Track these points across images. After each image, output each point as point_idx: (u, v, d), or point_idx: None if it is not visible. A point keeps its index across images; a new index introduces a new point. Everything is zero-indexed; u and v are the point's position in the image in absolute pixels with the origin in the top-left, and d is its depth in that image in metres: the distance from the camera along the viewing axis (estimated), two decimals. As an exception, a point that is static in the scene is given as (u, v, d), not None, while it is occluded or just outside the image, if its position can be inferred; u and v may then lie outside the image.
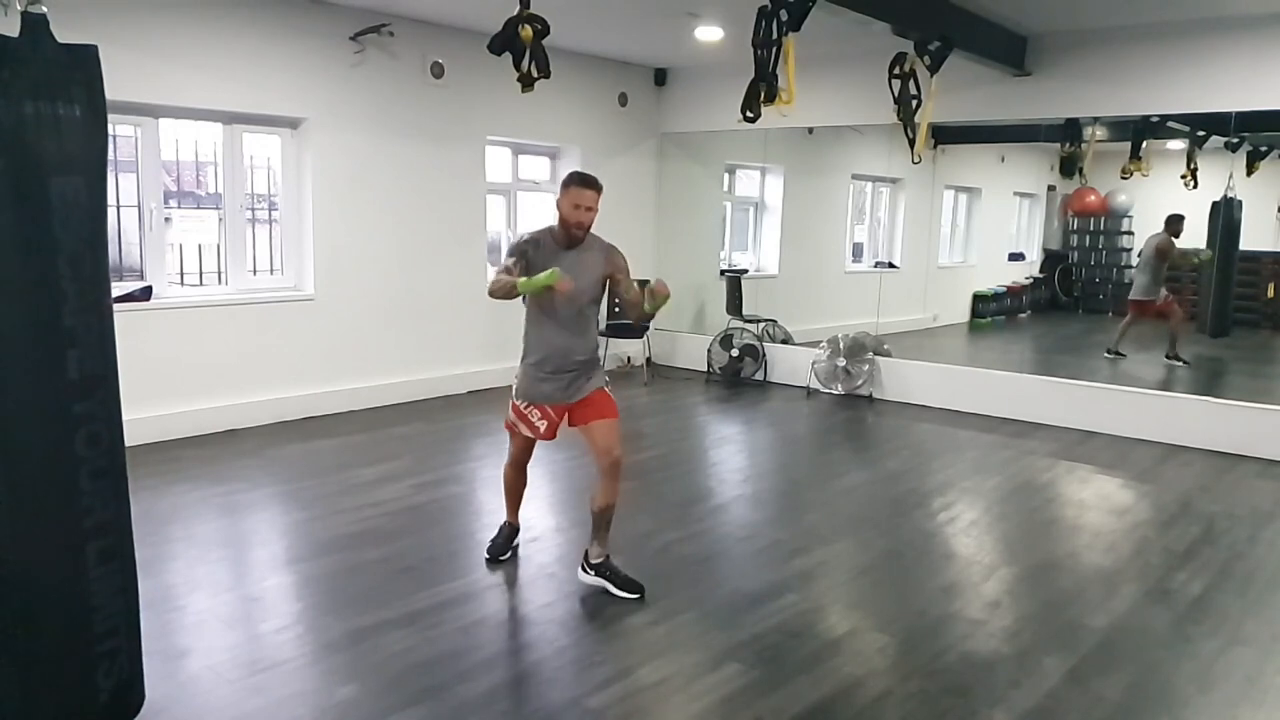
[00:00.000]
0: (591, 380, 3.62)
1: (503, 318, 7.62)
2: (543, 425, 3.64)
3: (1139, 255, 8.68)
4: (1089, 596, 3.74)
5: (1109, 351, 8.47)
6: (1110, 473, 5.60)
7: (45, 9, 2.19)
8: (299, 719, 2.72)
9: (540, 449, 5.94)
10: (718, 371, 8.24)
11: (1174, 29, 6.07)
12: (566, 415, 3.65)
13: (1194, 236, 8.09)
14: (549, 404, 3.62)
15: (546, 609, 3.50)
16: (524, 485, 4.01)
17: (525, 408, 3.65)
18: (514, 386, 3.69)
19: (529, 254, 3.49)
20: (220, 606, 3.47)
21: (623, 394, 7.64)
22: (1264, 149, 8.05)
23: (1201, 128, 7.68)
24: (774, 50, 4.71)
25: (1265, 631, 3.47)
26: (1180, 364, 8.04)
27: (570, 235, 3.54)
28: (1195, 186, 8.08)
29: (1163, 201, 8.74)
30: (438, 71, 6.85)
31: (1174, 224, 8.17)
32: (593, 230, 3.62)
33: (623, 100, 8.43)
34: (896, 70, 5.86)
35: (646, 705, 2.86)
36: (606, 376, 3.81)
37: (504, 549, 4.00)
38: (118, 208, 5.61)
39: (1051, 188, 10.86)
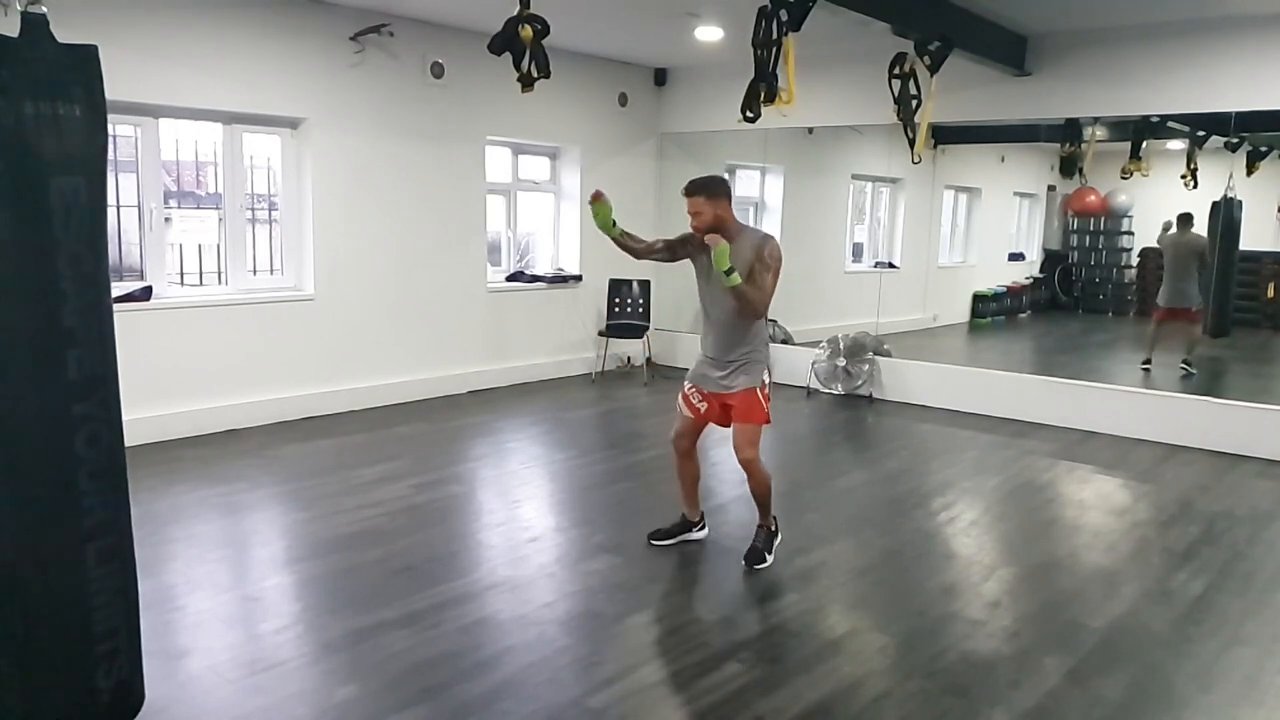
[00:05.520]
0: (743, 378, 3.78)
1: (503, 318, 7.66)
2: (702, 407, 3.92)
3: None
4: (1089, 596, 3.74)
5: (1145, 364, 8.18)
6: (1110, 473, 5.60)
7: (45, 9, 2.19)
8: (299, 719, 2.72)
9: (537, 448, 5.97)
10: (718, 371, 8.23)
11: (1174, 29, 6.07)
12: (724, 405, 3.86)
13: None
14: (706, 389, 3.88)
15: (546, 609, 3.50)
16: (694, 476, 4.14)
17: (690, 389, 3.96)
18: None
19: (679, 242, 3.91)
20: (220, 606, 3.47)
21: (622, 394, 7.65)
22: (1264, 149, 8.04)
23: (1201, 128, 7.67)
24: (774, 50, 4.71)
25: (1265, 631, 3.47)
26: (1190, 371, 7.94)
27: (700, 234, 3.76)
28: (1195, 186, 8.07)
29: (1163, 202, 8.74)
30: (438, 71, 6.85)
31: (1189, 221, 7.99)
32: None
33: (623, 100, 8.43)
34: (896, 70, 5.86)
35: (646, 705, 2.85)
36: (766, 377, 3.84)
37: (665, 535, 4.20)
38: (118, 208, 5.61)
39: (1051, 188, 10.86)
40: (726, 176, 3.87)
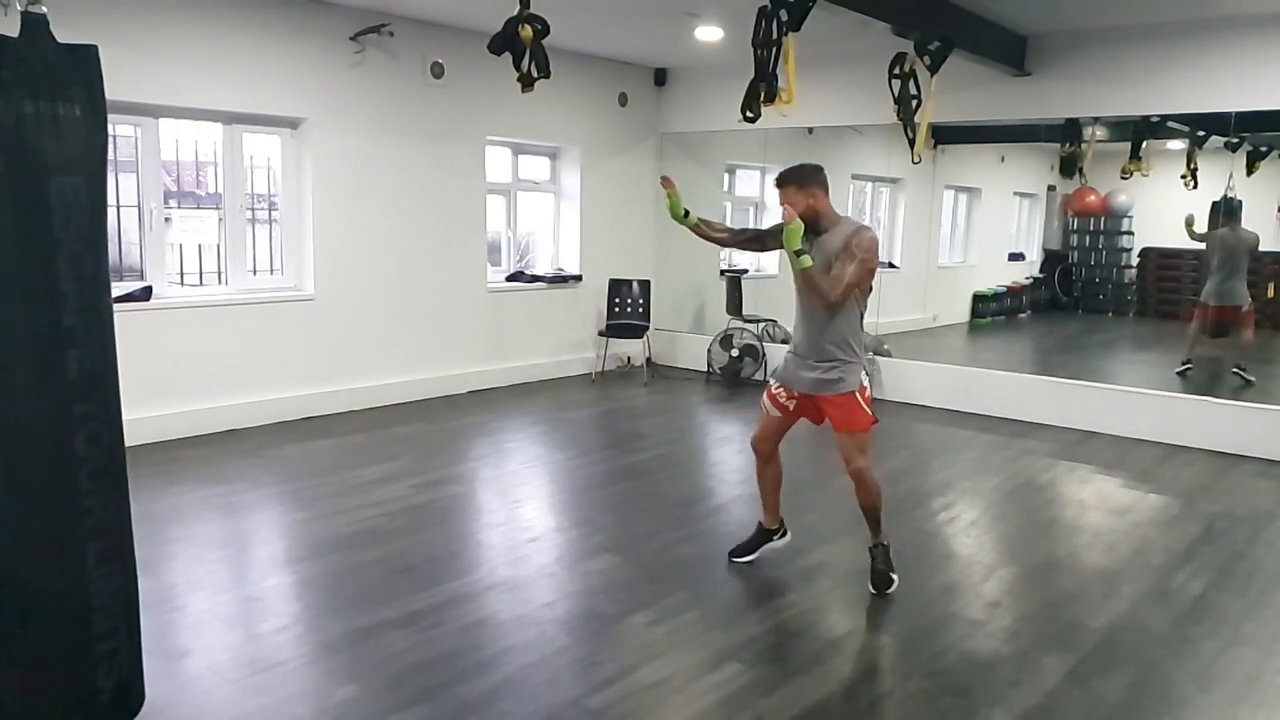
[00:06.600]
0: (838, 382, 3.55)
1: (503, 318, 7.66)
2: (791, 404, 3.72)
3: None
4: (1089, 596, 3.74)
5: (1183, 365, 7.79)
6: (1110, 473, 5.59)
7: (45, 9, 2.19)
8: (299, 719, 2.72)
9: (537, 448, 5.97)
10: (718, 371, 8.23)
11: (1174, 29, 6.07)
12: (816, 407, 3.69)
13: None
14: (795, 388, 3.67)
15: (546, 609, 3.50)
16: (775, 481, 3.92)
17: (777, 388, 3.76)
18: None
19: (769, 233, 3.74)
20: (220, 606, 3.47)
21: (623, 394, 7.65)
22: (1264, 149, 8.04)
23: (1201, 128, 7.66)
24: (774, 50, 4.71)
25: (1265, 631, 3.47)
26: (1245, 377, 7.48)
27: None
28: (1195, 186, 8.06)
29: (1163, 201, 8.72)
30: (438, 71, 6.85)
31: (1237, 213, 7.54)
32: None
33: (623, 100, 8.43)
34: (896, 70, 5.86)
35: (646, 705, 2.85)
36: (865, 380, 3.62)
37: (745, 550, 4.00)
38: (118, 208, 5.61)
39: (1051, 188, 10.87)
40: (821, 165, 3.62)
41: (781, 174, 3.57)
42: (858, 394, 3.56)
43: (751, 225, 9.53)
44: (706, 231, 3.83)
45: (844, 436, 3.62)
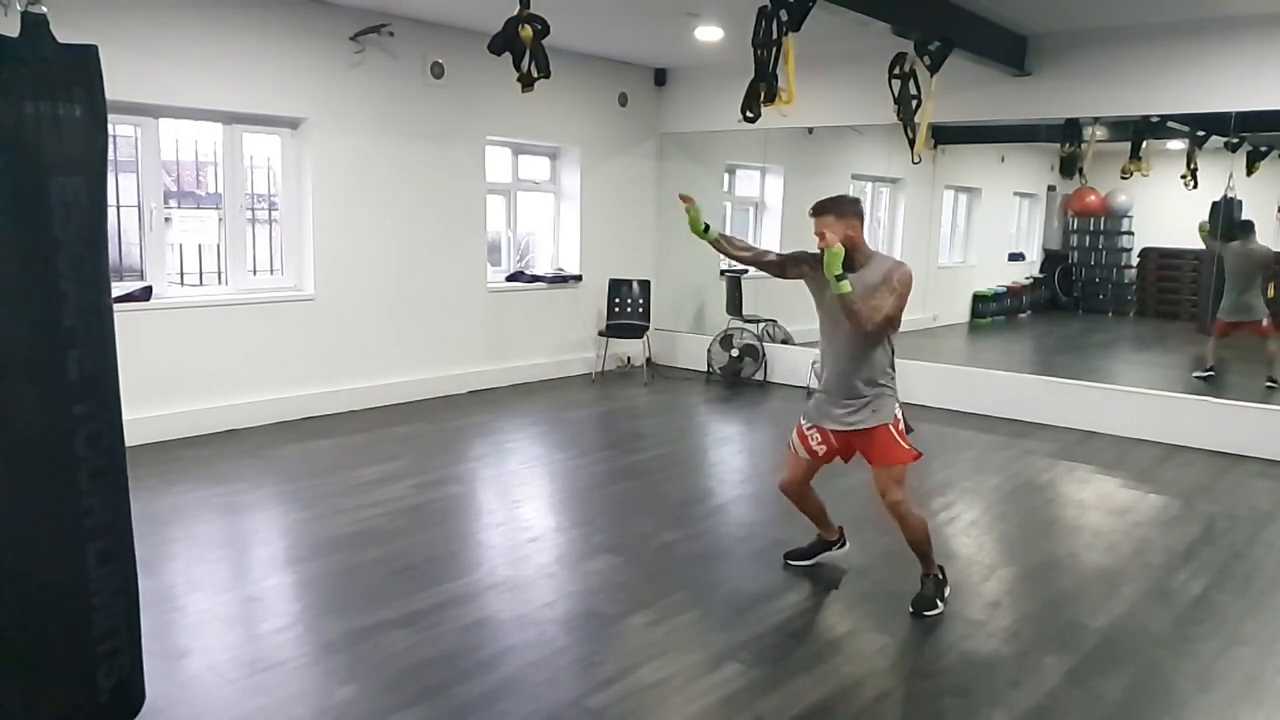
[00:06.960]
0: (872, 415, 3.45)
1: (503, 318, 7.66)
2: (821, 449, 3.60)
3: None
4: (1089, 596, 3.74)
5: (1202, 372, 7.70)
6: (1110, 473, 5.59)
7: (45, 9, 2.19)
8: (299, 719, 2.72)
9: (537, 448, 5.98)
10: (718, 371, 8.24)
11: (1174, 29, 6.07)
12: (848, 445, 3.57)
13: (1192, 236, 8.05)
14: (825, 425, 3.56)
15: (546, 609, 3.50)
16: (817, 507, 3.86)
17: (807, 428, 3.64)
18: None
19: (791, 259, 3.67)
20: (220, 606, 3.47)
21: (623, 394, 7.65)
22: (1264, 149, 8.04)
23: (1201, 128, 7.67)
24: (774, 50, 4.71)
25: (1265, 631, 3.47)
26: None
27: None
28: (1195, 186, 8.07)
29: (1163, 202, 8.72)
30: (438, 71, 6.85)
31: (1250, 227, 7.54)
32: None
33: (623, 100, 8.43)
34: (896, 70, 5.86)
35: (646, 705, 2.85)
36: (898, 411, 3.51)
37: (802, 555, 3.99)
38: (118, 208, 5.61)
39: (1051, 188, 10.87)
40: (859, 198, 3.53)
41: (819, 203, 3.50)
42: (891, 426, 3.46)
43: (751, 225, 9.55)
44: (726, 248, 3.73)
45: (879, 470, 3.51)
